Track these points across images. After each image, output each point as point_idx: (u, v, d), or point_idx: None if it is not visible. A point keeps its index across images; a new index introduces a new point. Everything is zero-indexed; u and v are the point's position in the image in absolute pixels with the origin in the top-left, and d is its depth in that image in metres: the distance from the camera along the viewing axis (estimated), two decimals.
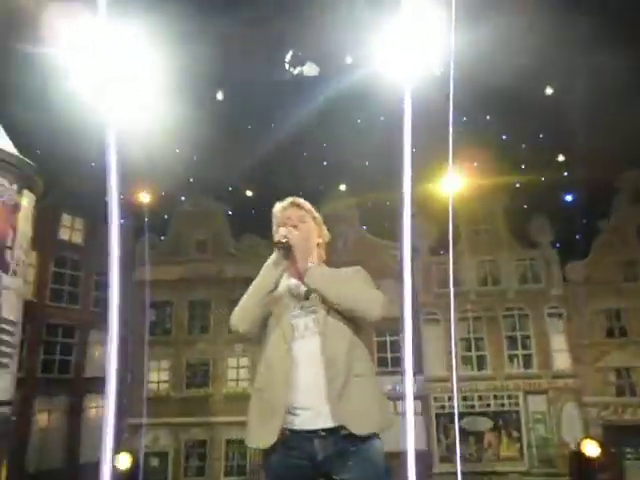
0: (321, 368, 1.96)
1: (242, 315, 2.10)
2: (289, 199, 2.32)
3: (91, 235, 14.55)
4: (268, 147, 12.76)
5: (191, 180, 15.73)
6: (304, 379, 1.95)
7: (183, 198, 16.27)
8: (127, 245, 15.51)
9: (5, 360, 5.06)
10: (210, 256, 15.82)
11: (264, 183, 15.27)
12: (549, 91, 11.96)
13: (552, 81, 11.85)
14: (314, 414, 1.92)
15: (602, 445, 12.81)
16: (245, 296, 2.12)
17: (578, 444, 13.12)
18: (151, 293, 15.53)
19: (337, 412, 1.91)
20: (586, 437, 13.26)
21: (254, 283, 2.12)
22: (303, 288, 2.12)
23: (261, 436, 1.96)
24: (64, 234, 14.01)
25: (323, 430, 1.91)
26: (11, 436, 5.15)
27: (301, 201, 2.31)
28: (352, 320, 2.05)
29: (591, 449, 12.73)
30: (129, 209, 15.17)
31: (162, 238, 16.41)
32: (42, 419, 12.56)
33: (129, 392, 14.69)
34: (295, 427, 1.92)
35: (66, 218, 14.10)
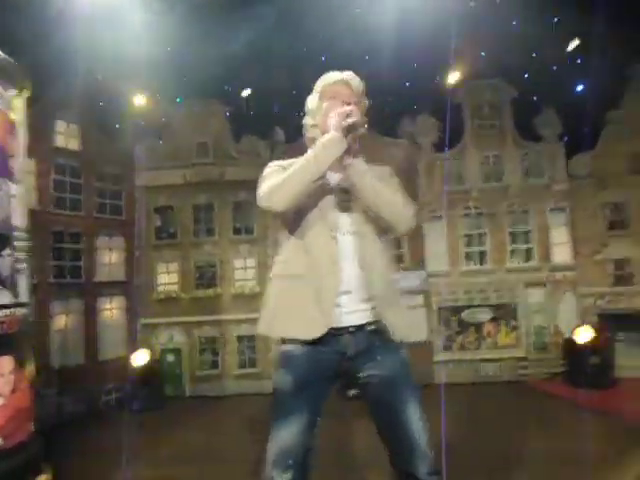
0: (357, 267, 1.92)
1: (281, 194, 1.85)
2: (339, 73, 2.03)
3: (88, 141, 14.27)
4: (264, 42, 12.11)
5: (185, 79, 15.12)
6: (346, 273, 1.91)
7: (179, 100, 15.74)
8: (126, 150, 15.30)
9: (21, 266, 5.19)
10: (211, 159, 15.61)
11: (261, 82, 14.69)
12: None
13: None
14: (347, 312, 1.90)
15: (595, 331, 13.43)
16: (288, 175, 1.87)
17: (572, 331, 13.76)
18: (154, 198, 15.57)
19: (380, 313, 1.92)
20: (580, 324, 13.88)
21: (302, 163, 1.87)
22: (346, 183, 1.99)
23: (306, 326, 1.87)
24: (60, 141, 13.73)
25: (352, 326, 1.93)
26: (32, 336, 5.38)
27: (355, 79, 2.02)
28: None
29: (584, 335, 13.37)
30: (124, 113, 14.77)
31: (161, 142, 16.10)
32: (60, 321, 13.12)
33: (141, 294, 15.22)
34: (331, 325, 1.89)
35: (60, 124, 13.73)
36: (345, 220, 1.95)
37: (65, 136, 13.81)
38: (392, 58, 12.52)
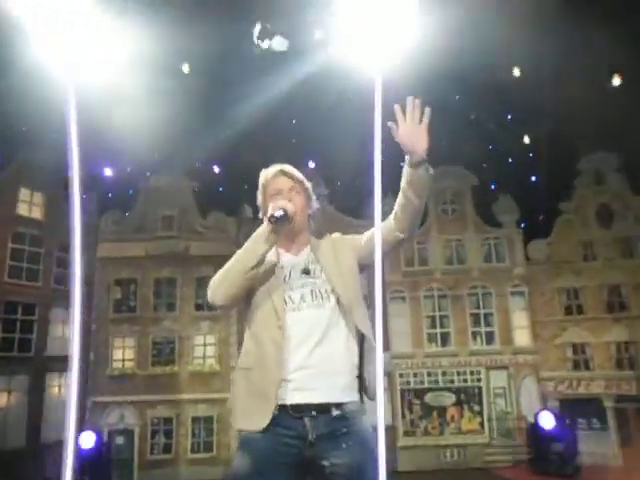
0: (320, 344, 1.87)
1: (222, 288, 1.91)
2: (278, 166, 2.12)
3: (51, 210, 14.10)
4: (236, 123, 12.53)
5: (156, 155, 15.35)
6: (298, 356, 1.86)
7: (148, 174, 15.88)
8: (90, 221, 15.15)
9: None
10: (176, 233, 15.57)
11: (231, 159, 15.05)
12: (517, 73, 12.07)
13: (520, 63, 11.96)
14: (306, 389, 1.84)
15: (557, 417, 13.38)
16: (226, 267, 1.94)
17: (535, 417, 13.67)
18: (116, 270, 15.27)
19: (332, 395, 1.88)
20: (543, 410, 13.83)
21: (237, 256, 1.94)
22: (302, 262, 2.02)
23: (252, 418, 1.84)
24: (23, 209, 13.52)
25: (314, 409, 1.87)
26: None
27: (292, 169, 2.12)
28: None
29: (547, 421, 13.29)
30: (92, 184, 14.77)
31: (127, 214, 16.05)
32: (1, 399, 12.27)
33: (93, 370, 14.50)
34: (285, 402, 1.83)
35: (24, 192, 13.59)
36: (304, 294, 1.93)
37: (28, 204, 13.63)
38: (360, 139, 13.08)
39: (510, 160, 15.39)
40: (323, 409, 1.84)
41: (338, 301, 1.92)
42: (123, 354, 14.96)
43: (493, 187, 16.28)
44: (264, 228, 1.92)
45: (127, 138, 12.78)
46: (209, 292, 1.94)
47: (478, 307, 15.60)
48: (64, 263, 14.32)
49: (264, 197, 2.12)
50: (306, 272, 1.99)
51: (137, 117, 12.22)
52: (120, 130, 12.06)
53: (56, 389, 13.73)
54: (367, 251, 2.04)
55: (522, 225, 16.11)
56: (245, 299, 1.96)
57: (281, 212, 1.89)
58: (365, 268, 2.08)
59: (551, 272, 15.39)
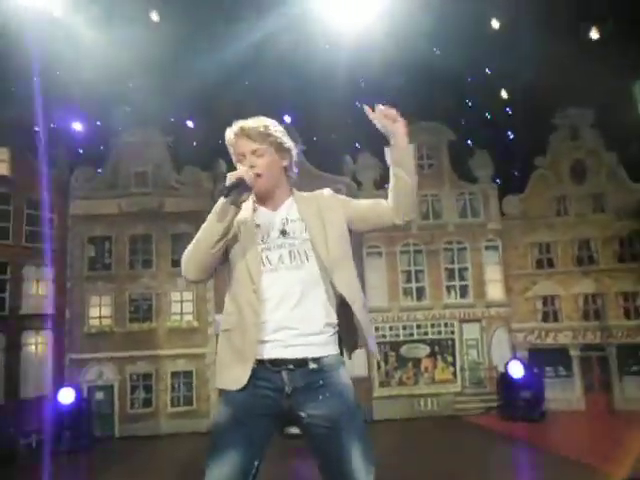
0: (296, 306, 1.86)
1: (192, 265, 1.89)
2: (237, 126, 2.01)
3: (18, 166, 13.66)
4: (209, 76, 12.15)
5: (128, 109, 14.87)
6: (276, 317, 1.86)
7: (120, 128, 15.41)
8: (61, 177, 14.76)
9: None
10: (150, 189, 15.30)
11: (205, 113, 14.68)
12: (495, 25, 11.88)
13: (499, 15, 11.75)
14: (283, 346, 1.85)
15: (526, 366, 13.96)
16: (192, 244, 1.90)
17: (505, 366, 14.22)
18: (89, 227, 15.02)
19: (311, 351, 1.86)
20: (512, 359, 14.37)
21: (201, 231, 1.90)
22: (280, 220, 1.96)
23: (232, 379, 1.87)
24: None
25: (292, 363, 1.86)
26: None
27: (253, 126, 1.98)
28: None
29: (516, 370, 13.86)
30: (61, 139, 14.30)
31: (99, 171, 15.66)
32: None
33: (69, 328, 14.47)
34: (263, 357, 1.85)
35: None
36: (283, 255, 1.90)
37: None
38: (336, 96, 12.88)
39: (487, 115, 15.34)
40: (300, 363, 1.88)
41: (318, 261, 1.91)
42: (100, 312, 14.91)
43: (469, 142, 16.27)
44: (220, 202, 1.86)
45: (96, 91, 12.32)
46: (182, 269, 1.91)
47: (453, 262, 15.87)
48: (34, 221, 14.02)
49: (234, 159, 2.06)
50: (283, 233, 1.96)
51: (106, 69, 11.75)
52: (89, 83, 11.61)
53: (33, 347, 13.69)
54: (358, 218, 2.02)
55: (497, 180, 16.24)
56: (223, 260, 1.93)
57: (231, 181, 1.83)
58: (351, 232, 2.03)
59: (525, 227, 15.68)
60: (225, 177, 1.92)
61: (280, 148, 2.02)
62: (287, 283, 1.88)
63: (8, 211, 13.36)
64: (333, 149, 14.85)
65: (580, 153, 15.83)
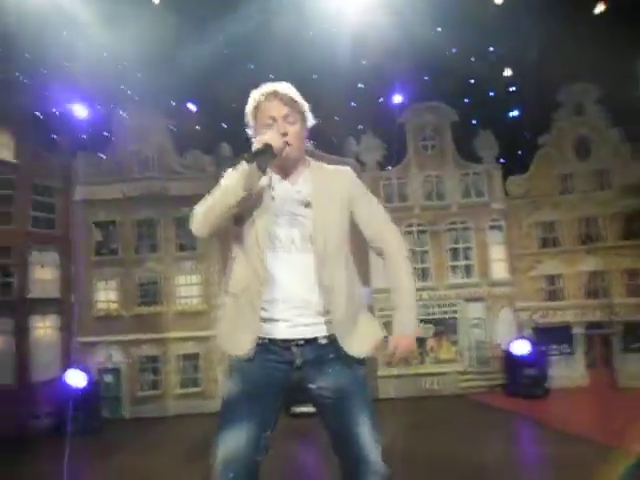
0: (303, 288, 1.88)
1: (206, 223, 1.86)
2: (270, 87, 1.93)
3: (23, 152, 13.68)
4: (210, 59, 12.06)
5: (129, 93, 14.80)
6: (283, 296, 1.88)
7: (123, 113, 15.37)
8: (65, 163, 14.78)
9: None
10: (154, 173, 15.31)
11: (208, 97, 14.59)
12: (498, 1, 11.70)
13: None
14: (292, 325, 1.88)
15: (531, 344, 14.06)
16: (209, 203, 1.85)
17: (510, 345, 14.32)
18: (94, 212, 15.08)
19: (336, 330, 1.91)
20: (517, 338, 14.47)
21: (220, 193, 1.84)
22: (298, 194, 1.93)
23: (236, 343, 1.90)
24: None
25: (302, 339, 1.90)
26: None
27: (287, 90, 1.93)
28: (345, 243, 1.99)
29: (520, 348, 13.97)
30: (64, 124, 14.28)
31: (102, 156, 15.66)
32: None
33: (78, 312, 14.61)
34: (274, 336, 1.88)
35: None
36: (294, 236, 1.90)
37: None
38: (339, 78, 12.78)
39: (491, 94, 15.17)
40: (310, 340, 1.92)
41: (316, 248, 1.91)
42: (107, 296, 15.05)
43: (473, 122, 16.13)
44: (243, 167, 1.79)
45: (99, 75, 12.27)
46: (192, 225, 1.89)
47: (457, 242, 15.88)
48: (39, 206, 14.08)
49: (256, 123, 1.95)
50: (296, 213, 1.92)
51: (108, 53, 11.69)
52: (91, 67, 11.56)
53: (41, 330, 13.86)
54: (355, 216, 2.04)
55: (501, 160, 16.14)
56: (233, 222, 1.92)
57: (258, 148, 1.74)
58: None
59: (529, 206, 15.63)
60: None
61: (305, 117, 1.99)
62: (295, 265, 1.90)
63: (12, 196, 13.42)
64: (336, 131, 14.77)
65: (584, 129, 15.69)
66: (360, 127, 15.82)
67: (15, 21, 9.66)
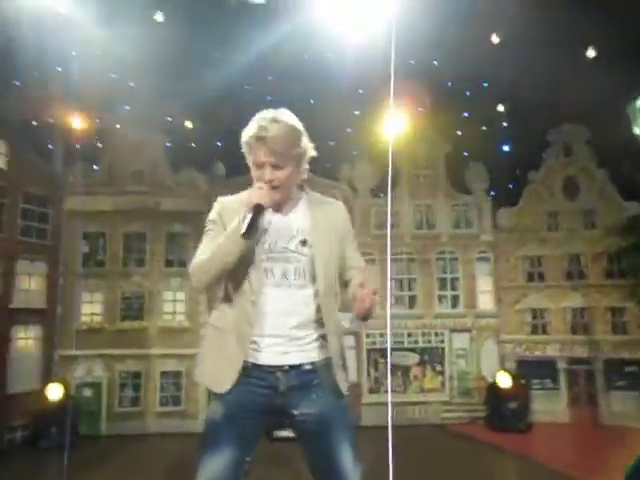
0: (294, 324, 1.87)
1: (205, 277, 1.85)
2: (258, 129, 1.80)
3: (16, 160, 13.64)
4: (210, 77, 12.22)
5: (127, 108, 14.91)
6: (273, 332, 1.87)
7: (118, 126, 15.44)
8: (57, 173, 14.75)
9: None
10: (146, 188, 15.31)
11: (205, 115, 14.73)
12: (495, 40, 12.05)
13: (499, 30, 11.92)
14: (279, 353, 1.88)
15: (514, 377, 14.06)
16: (208, 258, 1.81)
17: (493, 377, 14.31)
18: (84, 223, 15.00)
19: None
20: (501, 370, 14.47)
21: (217, 251, 1.80)
22: (289, 231, 1.90)
23: (217, 380, 1.89)
24: None
25: (287, 365, 1.89)
26: None
27: (274, 139, 1.78)
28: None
29: (504, 381, 13.97)
30: (59, 135, 14.31)
31: (95, 167, 15.67)
32: None
33: (61, 324, 14.41)
34: (258, 362, 1.88)
35: None
36: (287, 271, 1.87)
37: None
38: (335, 104, 12.98)
39: (483, 128, 15.49)
40: (295, 366, 1.92)
41: (316, 284, 1.92)
42: (92, 308, 14.88)
43: (466, 154, 16.41)
44: (238, 238, 1.74)
45: (96, 88, 12.35)
46: (193, 280, 1.87)
47: (445, 272, 15.97)
48: (29, 215, 13.99)
49: (246, 149, 1.92)
50: (291, 248, 1.89)
51: (107, 66, 11.80)
52: (89, 80, 11.64)
53: (22, 341, 13.63)
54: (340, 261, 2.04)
55: (492, 193, 16.39)
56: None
57: (249, 219, 1.71)
58: None
59: (517, 240, 15.82)
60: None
61: (302, 160, 1.92)
62: (288, 301, 1.88)
63: (2, 204, 13.33)
64: (331, 156, 14.94)
65: (573, 169, 16.02)
66: (355, 153, 16.01)
67: (12, 26, 9.73)
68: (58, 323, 14.12)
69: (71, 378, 14.13)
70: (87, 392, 14.35)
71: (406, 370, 15.45)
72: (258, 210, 1.75)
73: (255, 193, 1.80)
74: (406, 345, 15.55)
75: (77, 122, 14.28)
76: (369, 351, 15.37)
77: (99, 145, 15.96)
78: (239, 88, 14.31)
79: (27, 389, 12.88)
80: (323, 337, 1.92)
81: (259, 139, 1.80)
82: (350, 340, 15.08)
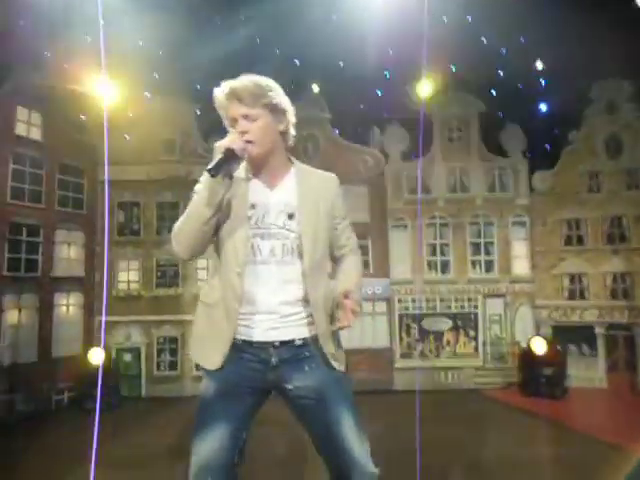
0: (283, 300, 1.82)
1: (183, 242, 1.80)
2: (225, 87, 1.82)
3: (50, 131, 13.87)
4: (236, 44, 12.04)
5: (156, 76, 14.87)
6: (260, 307, 1.82)
7: (148, 95, 15.46)
8: (91, 143, 14.94)
9: None
10: (178, 157, 15.40)
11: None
12: None
13: None
14: (269, 328, 1.83)
15: (549, 343, 13.86)
16: (183, 219, 1.80)
17: (528, 342, 14.15)
18: (118, 193, 15.26)
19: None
20: (535, 336, 14.29)
21: (191, 205, 1.80)
22: (280, 202, 1.83)
23: (207, 356, 1.86)
24: (21, 129, 13.30)
25: (279, 341, 1.84)
26: None
27: (243, 87, 1.78)
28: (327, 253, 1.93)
29: (538, 346, 13.78)
30: (90, 105, 14.41)
31: (127, 137, 15.79)
32: (12, 316, 12.68)
33: (99, 291, 14.86)
34: (250, 338, 1.83)
35: (22, 111, 13.30)
36: (274, 247, 1.81)
37: (27, 124, 13.39)
38: (365, 66, 12.64)
39: (520, 86, 14.86)
40: (286, 342, 1.86)
41: (304, 261, 1.84)
42: (128, 276, 15.26)
43: (501, 114, 15.84)
44: (207, 180, 1.72)
45: (125, 58, 12.34)
46: (173, 244, 1.82)
47: (479, 236, 15.69)
48: (65, 185, 14.30)
49: (225, 124, 1.88)
50: (279, 224, 1.83)
51: (135, 36, 11.75)
52: (118, 50, 11.61)
53: (64, 308, 14.14)
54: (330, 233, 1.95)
55: (528, 155, 15.85)
56: (214, 234, 1.86)
57: (219, 157, 1.64)
58: None
59: (554, 203, 15.34)
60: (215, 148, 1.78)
61: (276, 110, 1.83)
62: (276, 278, 1.82)
63: (41, 175, 13.64)
64: (361, 120, 14.65)
65: (616, 127, 15.29)
66: (385, 116, 15.66)
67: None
68: (97, 290, 14.55)
69: (111, 343, 14.64)
70: (127, 357, 14.88)
71: (439, 335, 15.42)
72: (228, 153, 1.69)
73: (226, 138, 1.78)
74: (439, 310, 15.48)
75: (107, 92, 14.35)
76: (401, 316, 15.37)
77: (130, 115, 16.05)
78: (268, 52, 14.08)
79: (70, 353, 13.44)
80: (312, 314, 1.86)
81: (229, 95, 1.81)
82: (382, 306, 15.10)
